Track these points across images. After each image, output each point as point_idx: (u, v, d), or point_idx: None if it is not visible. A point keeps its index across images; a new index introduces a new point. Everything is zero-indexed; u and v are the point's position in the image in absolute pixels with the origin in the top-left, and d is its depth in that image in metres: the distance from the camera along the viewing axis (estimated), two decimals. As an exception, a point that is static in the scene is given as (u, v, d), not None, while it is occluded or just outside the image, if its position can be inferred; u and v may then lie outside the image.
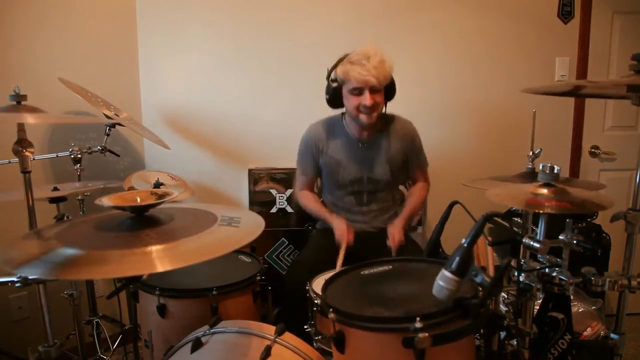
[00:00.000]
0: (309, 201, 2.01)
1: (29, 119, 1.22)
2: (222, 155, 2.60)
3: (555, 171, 1.18)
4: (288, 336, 1.25)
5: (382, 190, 1.95)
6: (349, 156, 1.91)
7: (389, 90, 1.83)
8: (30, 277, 1.02)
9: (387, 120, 1.94)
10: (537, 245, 1.09)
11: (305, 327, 1.53)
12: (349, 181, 1.92)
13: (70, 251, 0.91)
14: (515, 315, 1.18)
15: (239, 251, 1.78)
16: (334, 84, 1.82)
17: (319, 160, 1.98)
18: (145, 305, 1.54)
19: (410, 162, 1.99)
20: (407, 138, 1.93)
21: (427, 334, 0.94)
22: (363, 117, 1.80)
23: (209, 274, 1.59)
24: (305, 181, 2.04)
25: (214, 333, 1.26)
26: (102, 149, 2.10)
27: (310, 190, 2.06)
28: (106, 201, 1.07)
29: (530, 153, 1.84)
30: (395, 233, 1.83)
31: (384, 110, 1.92)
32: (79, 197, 2.03)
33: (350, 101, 1.80)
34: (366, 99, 1.74)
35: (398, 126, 1.93)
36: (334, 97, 1.84)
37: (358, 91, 1.76)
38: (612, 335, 1.26)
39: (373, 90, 1.75)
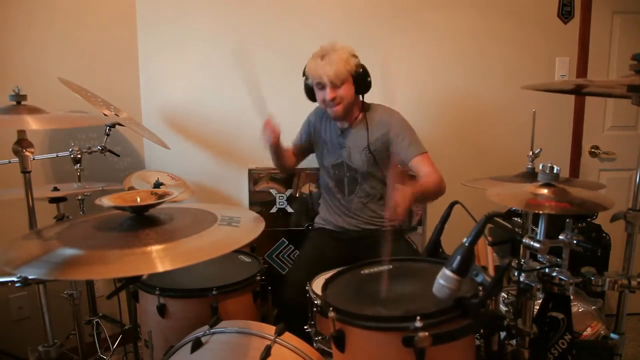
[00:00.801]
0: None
1: (30, 121, 1.22)
2: (222, 155, 2.60)
3: (555, 171, 1.18)
4: (288, 336, 1.25)
5: (362, 182, 1.94)
6: (332, 140, 1.97)
7: (359, 83, 1.84)
8: (30, 277, 1.02)
9: (368, 110, 1.94)
10: (537, 245, 1.09)
11: (305, 327, 1.53)
12: (331, 165, 1.97)
13: (70, 251, 0.91)
14: (515, 315, 1.18)
15: (239, 251, 1.78)
16: (306, 80, 1.90)
17: (309, 137, 2.07)
18: (145, 305, 1.54)
19: (397, 153, 1.85)
20: (384, 127, 1.90)
21: (427, 333, 0.94)
22: (329, 110, 1.87)
23: (209, 274, 1.59)
24: (293, 145, 2.13)
25: (214, 333, 1.26)
26: (102, 149, 2.10)
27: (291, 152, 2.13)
28: (106, 201, 1.07)
29: (530, 153, 1.84)
30: (399, 197, 1.53)
31: (362, 100, 1.93)
32: (79, 197, 2.03)
33: (317, 95, 1.87)
34: (326, 93, 1.81)
35: (376, 115, 1.93)
36: (308, 92, 1.93)
37: (321, 85, 1.82)
38: (612, 335, 1.26)
39: (334, 85, 1.79)
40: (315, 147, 2.07)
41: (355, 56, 1.83)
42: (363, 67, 1.85)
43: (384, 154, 1.91)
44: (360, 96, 1.91)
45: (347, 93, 1.82)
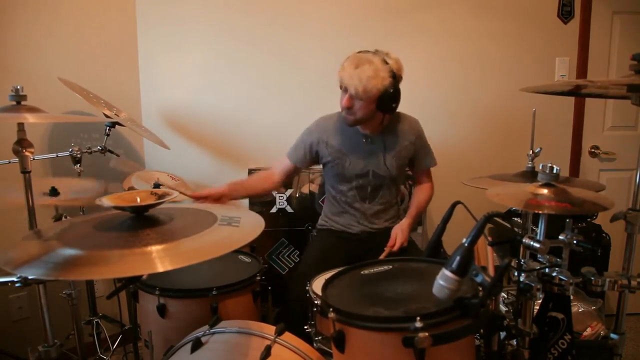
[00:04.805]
0: (252, 178, 2.08)
1: (29, 120, 1.22)
2: (222, 155, 2.60)
3: (555, 171, 1.18)
4: (288, 336, 1.25)
5: (385, 188, 1.94)
6: (354, 149, 1.90)
7: (383, 103, 1.75)
8: (30, 277, 1.02)
9: (393, 118, 1.92)
10: (537, 245, 1.09)
11: (305, 327, 1.53)
12: (354, 175, 1.91)
13: (70, 251, 0.91)
14: (515, 315, 1.18)
15: (239, 251, 1.78)
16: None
17: (309, 154, 1.95)
18: (145, 305, 1.54)
19: (418, 161, 1.98)
20: (413, 134, 1.93)
21: (427, 334, 0.94)
22: (343, 114, 1.83)
23: (209, 274, 1.59)
24: (280, 165, 1.98)
25: (214, 333, 1.26)
26: (102, 149, 2.10)
27: (271, 174, 1.98)
28: (106, 201, 1.07)
29: (530, 152, 1.84)
30: (398, 233, 1.86)
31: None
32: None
33: (341, 96, 1.81)
34: (344, 99, 1.77)
35: (404, 123, 1.94)
36: None
37: (344, 90, 1.77)
38: (612, 335, 1.26)
39: (354, 98, 1.74)
40: (325, 162, 1.96)
41: (393, 74, 1.73)
42: (395, 89, 1.75)
43: (409, 158, 1.97)
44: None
45: (365, 109, 1.76)
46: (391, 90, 1.73)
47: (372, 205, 1.95)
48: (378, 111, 1.78)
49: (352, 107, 1.76)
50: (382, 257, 1.76)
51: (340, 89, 1.79)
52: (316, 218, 2.12)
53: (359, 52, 1.77)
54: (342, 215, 1.99)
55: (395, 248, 1.82)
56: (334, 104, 1.98)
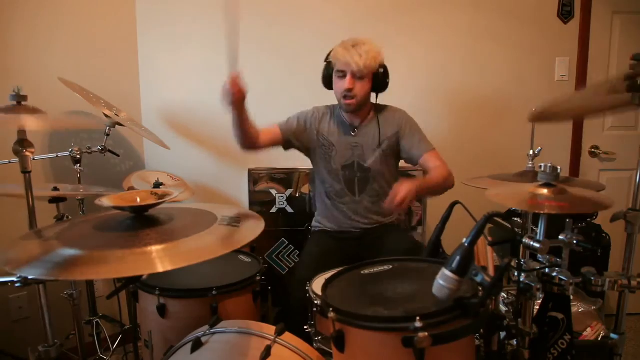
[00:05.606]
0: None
1: (30, 121, 1.22)
2: (222, 155, 2.60)
3: (555, 171, 1.18)
4: (288, 336, 1.25)
5: (373, 180, 1.94)
6: (341, 140, 1.94)
7: (378, 81, 1.85)
8: (30, 277, 1.02)
9: (379, 109, 1.97)
10: (537, 245, 1.09)
11: (305, 327, 1.53)
12: (341, 166, 1.94)
13: (70, 251, 0.91)
14: (515, 315, 1.18)
15: (239, 251, 1.78)
16: (327, 66, 1.89)
17: (299, 128, 1.96)
18: (145, 305, 1.54)
19: (411, 149, 1.90)
20: (397, 124, 1.93)
21: (427, 334, 0.94)
22: (344, 102, 1.86)
23: (209, 274, 1.59)
24: (272, 125, 1.95)
25: (214, 333, 1.26)
26: (102, 149, 2.11)
27: (260, 134, 1.87)
28: (106, 201, 1.07)
29: (530, 152, 1.84)
30: (401, 188, 1.59)
31: (374, 101, 1.95)
32: (79, 197, 2.04)
33: (336, 84, 1.86)
34: (346, 82, 1.80)
35: (388, 114, 1.96)
36: (327, 77, 1.91)
37: (342, 74, 1.82)
38: (612, 335, 1.26)
39: (355, 77, 1.80)
40: (313, 152, 1.99)
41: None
42: (385, 67, 1.86)
43: (394, 151, 1.95)
44: (373, 95, 1.92)
45: (363, 89, 1.83)
46: (382, 70, 1.84)
47: (362, 198, 1.95)
48: (372, 93, 1.87)
49: (353, 89, 1.81)
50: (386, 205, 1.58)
51: (337, 76, 1.84)
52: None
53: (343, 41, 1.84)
54: (333, 215, 1.99)
55: (396, 200, 1.56)
56: (334, 103, 1.98)
